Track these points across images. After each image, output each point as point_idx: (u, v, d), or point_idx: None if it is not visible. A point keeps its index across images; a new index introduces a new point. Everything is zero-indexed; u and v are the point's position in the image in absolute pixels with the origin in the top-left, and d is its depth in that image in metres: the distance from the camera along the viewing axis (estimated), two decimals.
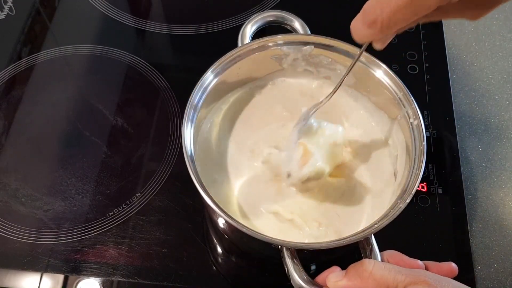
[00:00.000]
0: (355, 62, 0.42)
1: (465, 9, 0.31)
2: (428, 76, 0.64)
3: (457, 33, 0.71)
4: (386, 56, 0.66)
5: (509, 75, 0.67)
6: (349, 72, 0.42)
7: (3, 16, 0.72)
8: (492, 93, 0.65)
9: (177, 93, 0.63)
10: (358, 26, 0.33)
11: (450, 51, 0.69)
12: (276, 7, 0.72)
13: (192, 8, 0.74)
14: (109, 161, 0.58)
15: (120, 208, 0.55)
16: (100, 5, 0.73)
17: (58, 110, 0.63)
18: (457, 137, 0.60)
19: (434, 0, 0.29)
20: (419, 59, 0.66)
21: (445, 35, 0.69)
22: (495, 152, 0.60)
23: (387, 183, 0.48)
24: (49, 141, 0.60)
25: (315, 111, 0.46)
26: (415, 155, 0.44)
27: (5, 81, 0.65)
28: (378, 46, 0.34)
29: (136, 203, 0.55)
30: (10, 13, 0.73)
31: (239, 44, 0.51)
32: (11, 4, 0.74)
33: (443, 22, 0.71)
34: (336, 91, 0.44)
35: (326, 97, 0.45)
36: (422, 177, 0.56)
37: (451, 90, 0.64)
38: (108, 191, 0.56)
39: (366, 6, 0.32)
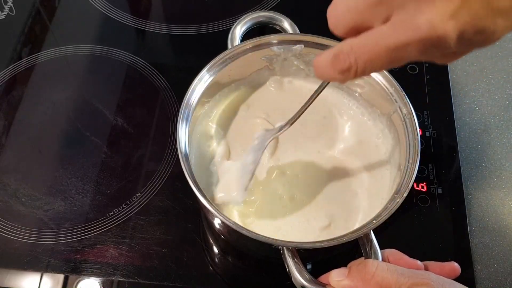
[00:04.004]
0: (317, 96, 0.41)
1: (441, 56, 0.30)
2: (428, 76, 0.64)
3: None
4: None
5: (509, 75, 0.67)
6: (313, 101, 0.42)
7: (3, 16, 0.72)
8: (492, 93, 0.65)
9: (177, 93, 0.63)
10: (326, 69, 0.30)
11: None
12: (276, 7, 0.72)
13: (192, 8, 0.74)
14: (109, 161, 0.58)
15: (120, 208, 0.55)
16: (100, 5, 0.73)
17: (58, 110, 0.63)
18: (457, 137, 0.60)
19: (414, 52, 0.27)
20: None
21: None
22: (495, 152, 0.60)
23: (383, 179, 0.48)
24: (49, 141, 0.60)
25: (271, 140, 0.46)
26: (409, 149, 0.44)
27: (5, 81, 0.65)
28: (343, 81, 0.32)
29: (136, 203, 0.55)
30: (10, 13, 0.73)
31: (229, 46, 0.51)
32: (11, 4, 0.74)
33: None
34: (297, 119, 0.43)
35: (286, 124, 0.44)
36: (422, 177, 0.56)
37: (451, 90, 0.64)
38: (108, 191, 0.56)
39: (337, 51, 0.29)
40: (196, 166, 0.47)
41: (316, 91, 0.40)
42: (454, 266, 0.39)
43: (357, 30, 0.28)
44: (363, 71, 0.29)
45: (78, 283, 0.50)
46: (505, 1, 0.25)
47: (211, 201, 0.41)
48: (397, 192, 0.42)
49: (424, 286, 0.33)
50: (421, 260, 0.39)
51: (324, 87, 0.39)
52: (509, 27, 0.26)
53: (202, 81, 0.48)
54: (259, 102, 0.54)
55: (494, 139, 0.61)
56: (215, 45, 0.68)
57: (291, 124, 0.44)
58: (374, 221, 0.39)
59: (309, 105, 0.41)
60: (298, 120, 0.44)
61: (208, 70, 0.49)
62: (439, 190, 0.55)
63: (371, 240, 0.39)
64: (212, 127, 0.52)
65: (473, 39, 0.26)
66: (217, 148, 0.50)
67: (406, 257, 0.39)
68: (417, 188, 0.55)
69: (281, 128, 0.45)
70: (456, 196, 0.55)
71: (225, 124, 0.53)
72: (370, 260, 0.36)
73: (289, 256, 0.39)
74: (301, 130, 0.51)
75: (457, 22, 0.25)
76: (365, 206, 0.47)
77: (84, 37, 0.70)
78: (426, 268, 0.38)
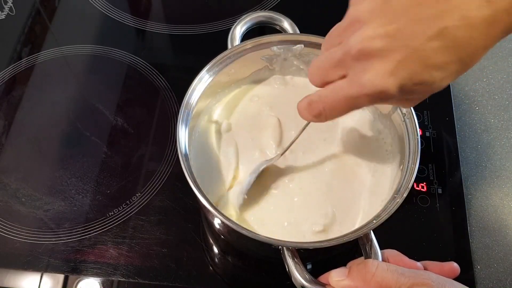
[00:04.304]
0: (303, 129, 0.45)
1: (394, 103, 0.37)
2: None
3: None
4: None
5: (509, 75, 0.67)
6: (300, 135, 0.46)
7: (3, 16, 0.72)
8: (492, 93, 0.65)
9: (177, 93, 0.63)
10: (305, 114, 0.38)
11: None
12: (276, 7, 0.72)
13: (192, 8, 0.74)
14: (109, 161, 0.58)
15: (120, 208, 0.55)
16: (100, 5, 0.73)
17: (58, 110, 0.63)
18: (457, 137, 0.60)
19: (366, 102, 0.33)
20: None
21: None
22: (495, 152, 0.60)
23: (383, 179, 0.48)
24: (49, 141, 0.60)
25: (265, 166, 0.47)
26: (409, 149, 0.44)
27: (5, 81, 0.65)
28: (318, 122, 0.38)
29: (136, 203, 0.55)
30: (10, 13, 0.73)
31: (229, 46, 0.52)
32: (11, 4, 0.74)
33: None
34: (287, 149, 0.47)
35: (277, 155, 0.47)
36: (422, 177, 0.56)
37: (451, 90, 0.64)
38: (108, 191, 0.56)
39: (310, 100, 0.37)
40: (196, 166, 0.47)
41: (303, 127, 0.45)
42: (453, 266, 0.39)
43: (326, 83, 0.35)
44: (331, 116, 0.36)
45: (78, 283, 0.50)
46: (438, 58, 0.30)
47: (211, 201, 0.41)
48: (397, 192, 0.42)
49: (424, 286, 0.34)
50: (420, 260, 0.39)
51: (308, 124, 0.44)
52: (446, 77, 0.31)
53: (202, 81, 0.48)
54: (262, 97, 0.54)
55: (494, 139, 0.61)
56: (215, 45, 0.68)
57: (282, 154, 0.48)
58: (374, 221, 0.39)
59: (298, 136, 0.46)
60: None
61: (208, 70, 0.49)
62: (439, 190, 0.55)
63: (371, 240, 0.39)
64: (213, 126, 0.52)
65: (415, 89, 0.31)
66: (221, 147, 0.50)
67: (405, 258, 0.39)
68: (417, 188, 0.55)
69: (273, 158, 0.48)
70: (456, 196, 0.55)
71: (227, 122, 0.53)
72: (370, 260, 0.37)
73: (289, 256, 0.39)
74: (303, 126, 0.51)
75: (396, 78, 0.30)
76: (365, 206, 0.47)
77: (84, 37, 0.70)
78: (425, 268, 0.38)
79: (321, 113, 0.36)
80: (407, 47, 0.30)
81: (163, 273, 0.51)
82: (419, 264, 0.38)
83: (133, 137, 0.60)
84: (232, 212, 0.47)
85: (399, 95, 0.31)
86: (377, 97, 0.32)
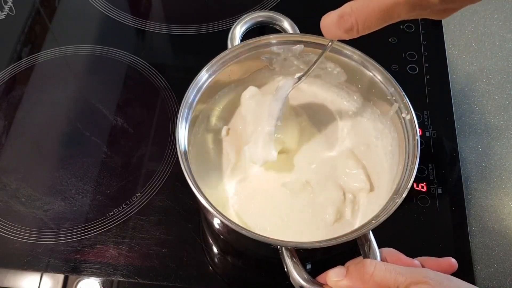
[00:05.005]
0: (325, 52, 0.45)
1: (430, 13, 0.34)
2: (428, 76, 0.64)
3: (457, 33, 0.71)
4: (386, 56, 0.67)
5: (509, 75, 0.67)
6: (320, 57, 0.46)
7: (3, 16, 0.72)
8: (492, 93, 0.65)
9: (177, 93, 0.63)
10: (333, 29, 0.35)
11: (450, 51, 0.69)
12: (276, 7, 0.72)
13: (192, 8, 0.74)
14: (109, 161, 0.58)
15: (120, 208, 0.55)
16: (100, 5, 0.73)
17: (58, 110, 0.63)
18: (457, 137, 0.60)
19: (404, 11, 0.32)
20: (418, 59, 0.66)
21: (445, 35, 0.69)
22: (495, 152, 0.60)
23: (383, 179, 0.48)
24: (49, 141, 0.61)
25: (291, 90, 0.48)
26: (409, 150, 0.44)
27: (5, 81, 0.65)
28: (348, 38, 0.36)
29: (136, 203, 0.55)
30: (10, 13, 0.73)
31: (229, 46, 0.52)
32: (11, 4, 0.74)
33: (443, 22, 0.71)
34: (307, 74, 0.47)
35: (303, 75, 0.47)
36: (422, 177, 0.56)
37: (451, 90, 0.64)
38: (108, 191, 0.56)
39: (341, 12, 0.35)
40: (196, 166, 0.47)
41: (324, 49, 0.45)
42: (451, 262, 0.39)
43: None
44: (363, 30, 0.34)
45: (78, 283, 0.50)
46: None
47: (210, 201, 0.41)
48: (396, 192, 0.42)
49: (422, 284, 0.34)
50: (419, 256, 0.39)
51: (331, 44, 0.45)
52: None
53: (202, 81, 0.48)
54: (261, 100, 0.54)
55: (494, 139, 0.61)
56: (215, 45, 0.68)
57: (299, 82, 0.48)
58: (373, 221, 0.39)
59: (319, 59, 0.46)
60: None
61: (208, 70, 0.49)
62: (439, 190, 0.55)
63: (370, 241, 0.39)
64: (213, 127, 0.52)
65: None
66: (221, 148, 0.50)
67: (403, 256, 0.39)
68: (417, 188, 0.55)
69: (300, 78, 0.48)
70: (456, 196, 0.55)
71: (227, 122, 0.53)
72: (368, 260, 0.37)
73: (287, 256, 0.39)
74: (303, 130, 0.51)
75: None
76: (365, 206, 0.47)
77: (84, 37, 0.70)
78: (423, 265, 0.38)
79: (352, 26, 0.34)
80: None
81: (163, 273, 0.51)
82: (416, 261, 0.38)
83: (133, 137, 0.60)
84: (231, 212, 0.47)
85: (440, 1, 0.30)
86: (416, 3, 0.30)
